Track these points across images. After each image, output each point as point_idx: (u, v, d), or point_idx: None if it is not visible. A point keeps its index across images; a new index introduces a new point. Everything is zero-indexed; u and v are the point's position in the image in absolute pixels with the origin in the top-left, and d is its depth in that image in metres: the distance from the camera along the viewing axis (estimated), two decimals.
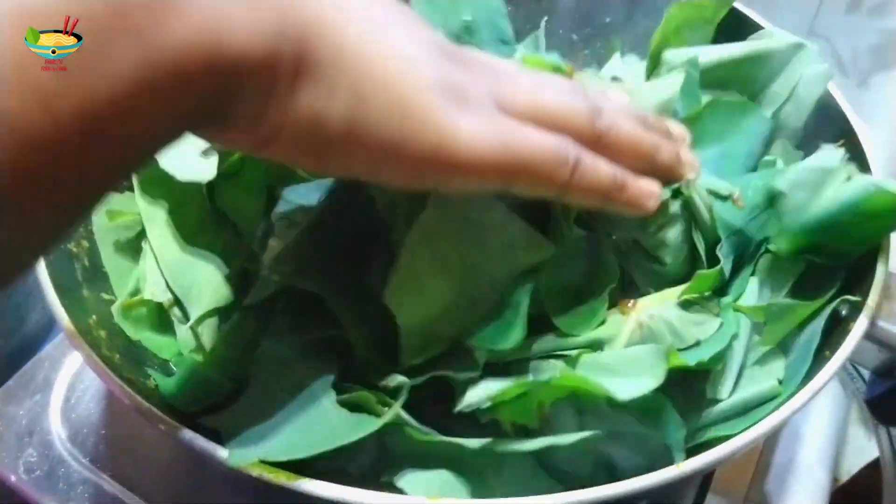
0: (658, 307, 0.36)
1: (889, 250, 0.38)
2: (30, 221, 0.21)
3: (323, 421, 0.32)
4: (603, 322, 0.36)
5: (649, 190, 0.33)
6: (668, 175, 0.35)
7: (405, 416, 0.32)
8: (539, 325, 0.36)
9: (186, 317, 0.40)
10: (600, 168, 0.31)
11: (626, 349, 0.35)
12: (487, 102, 0.29)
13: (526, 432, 0.34)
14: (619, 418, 0.33)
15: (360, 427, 0.31)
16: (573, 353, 0.35)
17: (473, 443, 0.32)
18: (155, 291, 0.41)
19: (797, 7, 0.75)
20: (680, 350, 0.35)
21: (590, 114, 0.31)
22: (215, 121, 0.25)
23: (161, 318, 0.41)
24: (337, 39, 0.25)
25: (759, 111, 0.45)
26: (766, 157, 0.44)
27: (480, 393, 0.33)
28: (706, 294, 0.37)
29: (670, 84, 0.41)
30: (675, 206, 0.37)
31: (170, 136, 0.24)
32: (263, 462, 0.30)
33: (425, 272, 0.33)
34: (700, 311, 0.36)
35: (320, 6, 0.25)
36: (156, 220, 0.42)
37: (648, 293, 0.38)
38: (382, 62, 0.26)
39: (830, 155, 0.39)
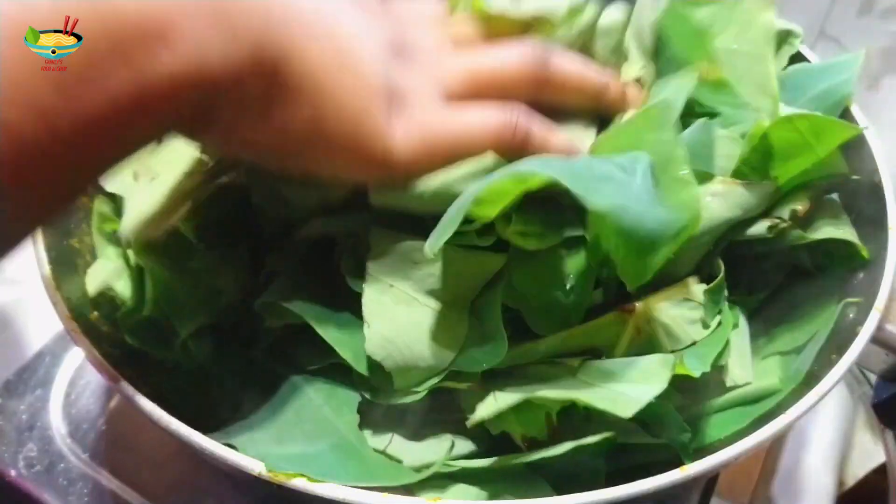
0: (656, 310, 0.35)
1: None
2: (24, 210, 0.25)
3: (361, 461, 0.33)
4: (583, 319, 0.35)
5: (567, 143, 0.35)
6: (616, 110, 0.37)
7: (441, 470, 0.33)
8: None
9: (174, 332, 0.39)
10: (547, 132, 0.34)
11: (629, 358, 0.34)
12: (429, 92, 0.33)
13: (537, 444, 0.34)
14: (623, 426, 0.33)
15: (399, 477, 0.32)
16: (574, 361, 0.34)
17: (485, 462, 0.33)
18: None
19: (808, 8, 0.75)
20: (675, 351, 0.35)
21: (534, 62, 0.34)
22: (196, 128, 0.29)
23: (161, 328, 0.40)
24: (303, 68, 0.29)
25: None
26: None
27: (490, 407, 0.34)
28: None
29: None
30: None
31: (156, 137, 0.29)
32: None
33: (396, 312, 0.34)
34: (693, 309, 0.36)
35: (290, 38, 0.29)
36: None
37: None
38: (340, 86, 0.30)
39: None
